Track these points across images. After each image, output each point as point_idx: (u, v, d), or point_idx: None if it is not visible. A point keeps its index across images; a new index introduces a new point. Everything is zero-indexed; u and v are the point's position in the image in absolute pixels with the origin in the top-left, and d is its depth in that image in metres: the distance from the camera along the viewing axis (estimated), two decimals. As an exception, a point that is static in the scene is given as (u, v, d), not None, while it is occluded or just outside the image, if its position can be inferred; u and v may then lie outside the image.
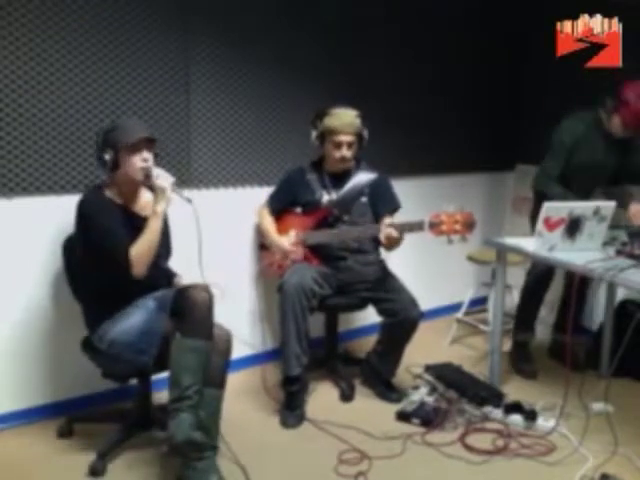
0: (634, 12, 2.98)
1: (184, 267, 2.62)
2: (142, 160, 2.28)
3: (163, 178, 2.28)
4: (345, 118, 2.79)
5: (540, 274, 3.19)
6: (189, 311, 2.19)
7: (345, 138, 2.81)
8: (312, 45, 3.26)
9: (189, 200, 2.32)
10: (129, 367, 2.30)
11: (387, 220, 2.73)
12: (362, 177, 2.95)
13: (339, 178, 2.95)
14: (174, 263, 2.61)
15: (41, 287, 2.65)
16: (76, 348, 2.44)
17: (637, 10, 3.05)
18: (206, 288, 2.25)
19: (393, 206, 2.96)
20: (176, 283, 2.54)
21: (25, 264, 2.60)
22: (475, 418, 2.74)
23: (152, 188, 2.33)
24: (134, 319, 2.26)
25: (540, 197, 3.21)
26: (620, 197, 2.98)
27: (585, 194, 3.13)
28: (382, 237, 2.67)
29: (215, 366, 2.24)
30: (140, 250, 2.24)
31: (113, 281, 2.28)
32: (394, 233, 2.63)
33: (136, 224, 2.32)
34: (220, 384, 2.28)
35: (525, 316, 3.32)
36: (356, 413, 2.82)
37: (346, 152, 2.83)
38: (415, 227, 2.63)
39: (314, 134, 2.86)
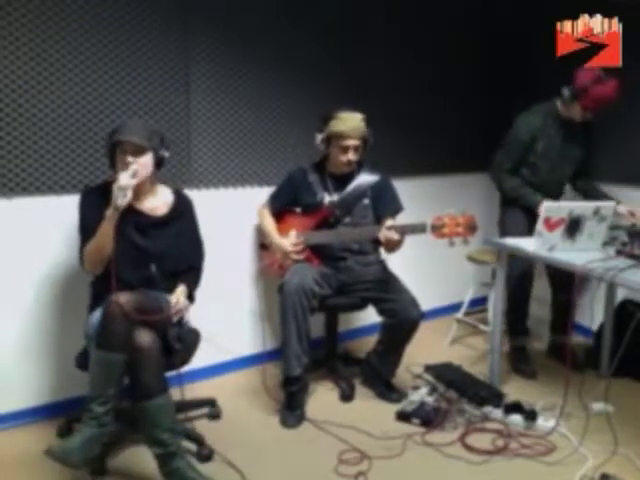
0: (634, 12, 2.98)
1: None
2: (124, 163, 2.25)
3: (117, 183, 2.19)
4: (352, 122, 2.79)
5: (518, 278, 3.20)
6: (103, 321, 2.11)
7: (352, 142, 2.80)
8: (312, 45, 3.26)
9: (117, 208, 2.22)
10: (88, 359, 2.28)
11: (388, 222, 2.73)
12: (364, 179, 2.94)
13: (341, 180, 2.94)
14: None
15: (41, 287, 2.65)
16: (76, 348, 2.44)
17: (637, 10, 3.05)
18: (126, 296, 2.13)
19: (395, 208, 2.96)
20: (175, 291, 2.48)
21: (25, 264, 2.60)
22: (475, 418, 2.74)
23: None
24: (98, 315, 2.24)
25: (506, 202, 3.25)
26: (597, 198, 3.05)
27: (556, 186, 3.23)
28: (382, 240, 2.67)
29: (147, 377, 2.14)
30: (89, 249, 2.26)
31: (100, 275, 2.30)
32: (395, 236, 2.63)
33: (140, 223, 2.32)
34: (158, 391, 2.15)
35: (515, 321, 3.32)
36: (356, 413, 2.82)
37: (352, 156, 2.83)
38: (417, 229, 2.63)
39: (319, 137, 2.86)
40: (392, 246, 2.73)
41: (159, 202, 2.44)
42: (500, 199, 3.38)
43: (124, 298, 2.12)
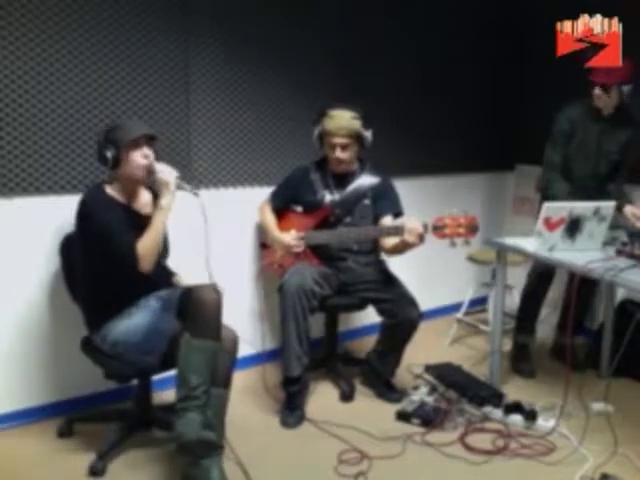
0: (634, 12, 2.98)
1: (187, 266, 2.63)
2: (143, 156, 2.28)
3: (167, 172, 2.28)
4: (340, 121, 2.78)
5: (539, 276, 3.20)
6: (198, 311, 2.17)
7: (339, 140, 2.80)
8: (312, 45, 3.26)
9: (196, 194, 2.33)
10: (132, 368, 2.30)
11: (412, 218, 2.61)
12: (366, 180, 2.94)
13: (342, 179, 2.94)
14: (174, 262, 2.62)
15: (41, 287, 2.65)
16: (76, 348, 2.44)
17: (637, 10, 3.05)
18: (215, 288, 2.24)
19: (396, 210, 2.94)
20: (176, 282, 2.54)
21: (25, 264, 2.60)
22: (475, 418, 2.74)
23: (152, 185, 2.34)
24: (138, 320, 2.26)
25: (544, 198, 3.22)
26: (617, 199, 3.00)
27: (591, 182, 3.16)
28: (407, 236, 2.55)
29: (222, 366, 2.24)
30: (146, 245, 2.23)
31: (114, 281, 2.28)
32: (420, 228, 2.54)
33: (137, 222, 2.32)
34: (226, 384, 2.28)
35: (525, 318, 3.32)
36: (356, 413, 2.82)
37: (341, 154, 2.82)
38: None
39: (315, 134, 2.87)
40: (404, 248, 2.64)
41: (143, 200, 2.45)
42: (540, 197, 3.33)
43: (211, 288, 2.22)
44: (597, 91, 3.00)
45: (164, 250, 2.50)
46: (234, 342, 2.33)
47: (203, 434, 2.11)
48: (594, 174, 3.20)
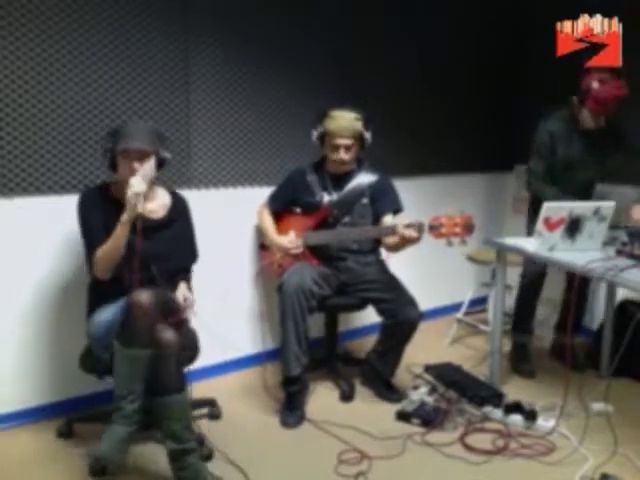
0: (634, 12, 2.98)
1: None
2: (130, 170, 2.25)
3: (130, 186, 2.21)
4: (342, 122, 2.78)
5: (532, 276, 3.20)
6: (127, 318, 2.13)
7: (342, 141, 2.80)
8: (312, 45, 3.26)
9: (141, 214, 2.24)
10: (98, 362, 2.30)
11: (405, 221, 2.61)
12: (363, 179, 2.94)
13: (340, 179, 2.94)
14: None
15: (41, 287, 2.65)
16: (76, 348, 2.44)
17: (637, 10, 3.06)
18: (147, 294, 2.15)
19: (395, 207, 2.95)
20: (178, 288, 2.51)
21: (25, 264, 2.60)
22: (475, 418, 2.74)
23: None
24: (105, 315, 2.26)
25: (535, 199, 3.22)
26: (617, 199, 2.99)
27: (576, 189, 3.14)
28: (399, 238, 2.57)
29: (169, 372, 2.15)
30: (102, 254, 2.24)
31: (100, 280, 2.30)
32: (414, 233, 2.54)
33: (138, 225, 2.31)
34: (179, 388, 2.18)
35: (522, 318, 3.33)
36: (356, 413, 2.82)
37: (343, 155, 2.82)
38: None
39: (315, 135, 2.87)
40: (404, 245, 2.64)
41: (158, 204, 2.44)
42: (529, 197, 3.33)
43: (145, 296, 2.14)
44: (593, 117, 2.98)
45: (190, 253, 2.54)
46: (175, 344, 2.17)
47: (110, 453, 2.08)
48: (577, 185, 3.18)
